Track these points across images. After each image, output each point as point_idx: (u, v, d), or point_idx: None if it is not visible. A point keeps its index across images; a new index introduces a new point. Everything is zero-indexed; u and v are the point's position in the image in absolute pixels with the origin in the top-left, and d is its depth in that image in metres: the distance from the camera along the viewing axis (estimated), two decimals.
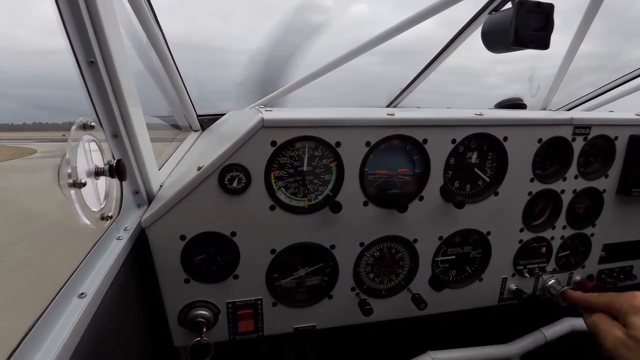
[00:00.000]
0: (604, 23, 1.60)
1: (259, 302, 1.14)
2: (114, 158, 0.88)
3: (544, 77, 1.95)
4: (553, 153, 1.31)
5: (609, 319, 0.79)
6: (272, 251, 1.10)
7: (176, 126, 2.04)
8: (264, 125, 0.98)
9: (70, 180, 0.67)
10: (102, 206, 0.81)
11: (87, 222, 0.73)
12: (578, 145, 1.29)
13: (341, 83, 1.86)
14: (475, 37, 1.57)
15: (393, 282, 1.27)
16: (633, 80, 2.05)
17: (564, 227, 1.39)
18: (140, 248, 0.99)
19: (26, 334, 0.57)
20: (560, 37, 1.06)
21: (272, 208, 1.06)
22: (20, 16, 0.85)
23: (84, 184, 0.70)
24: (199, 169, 0.98)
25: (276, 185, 1.06)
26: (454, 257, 1.31)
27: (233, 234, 1.05)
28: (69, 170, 0.67)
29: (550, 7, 1.02)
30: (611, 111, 1.51)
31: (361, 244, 1.17)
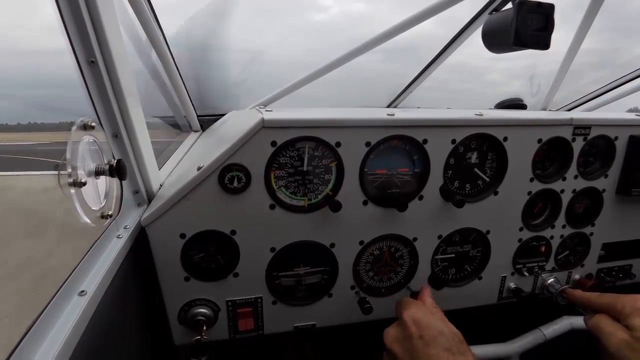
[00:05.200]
0: (603, 20, 1.58)
1: (259, 300, 1.15)
2: (114, 158, 0.89)
3: (545, 75, 1.94)
4: (553, 153, 1.31)
5: (611, 321, 0.79)
6: (272, 249, 1.11)
7: (176, 126, 2.05)
8: (264, 126, 0.98)
9: (71, 180, 0.68)
10: (102, 205, 0.82)
11: (88, 220, 0.73)
12: (578, 145, 1.29)
13: (342, 82, 1.86)
14: (476, 34, 1.57)
15: (393, 281, 1.27)
16: (634, 81, 2.05)
17: (564, 226, 1.40)
18: (140, 246, 0.99)
19: (26, 332, 0.57)
20: (559, 35, 1.06)
21: (272, 207, 1.06)
22: (21, 16, 0.85)
23: (84, 184, 0.70)
24: (199, 168, 0.98)
25: (276, 185, 1.06)
26: (454, 255, 1.31)
27: (233, 232, 1.06)
28: (70, 170, 0.68)
29: (550, 7, 1.02)
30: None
31: (361, 243, 1.17)
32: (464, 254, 1.32)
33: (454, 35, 1.62)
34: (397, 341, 0.86)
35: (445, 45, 1.67)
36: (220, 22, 1.90)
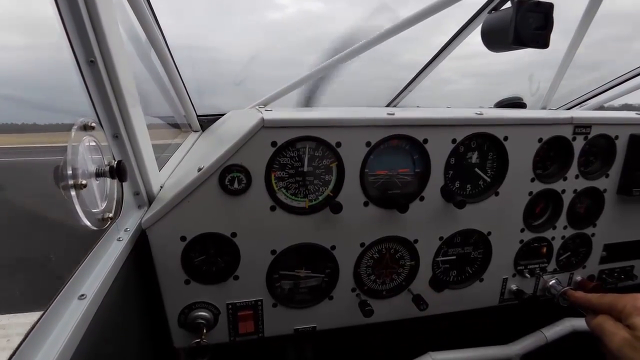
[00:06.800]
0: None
1: (259, 303, 1.14)
2: (114, 159, 0.88)
3: (489, 74, 1.95)
4: (553, 153, 1.31)
5: (613, 321, 0.79)
6: (273, 252, 1.10)
7: (176, 126, 2.04)
8: (264, 126, 0.98)
9: (71, 182, 0.67)
10: (102, 207, 0.81)
11: (88, 223, 0.72)
12: (578, 144, 1.29)
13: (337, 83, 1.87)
14: (431, 33, 1.53)
15: (393, 283, 1.26)
16: (633, 79, 2.05)
17: (565, 227, 1.39)
18: (140, 249, 0.99)
19: (26, 336, 0.56)
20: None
21: (272, 209, 1.06)
22: (20, 16, 0.85)
23: (85, 186, 0.70)
24: (199, 170, 0.98)
25: (277, 186, 1.05)
26: (455, 257, 1.30)
27: (233, 234, 1.05)
28: (70, 172, 0.67)
29: (549, 6, 1.02)
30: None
31: (362, 245, 1.17)
32: (465, 255, 1.32)
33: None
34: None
35: (445, 45, 1.67)
36: (220, 23, 1.89)
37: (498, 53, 1.17)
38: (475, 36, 1.63)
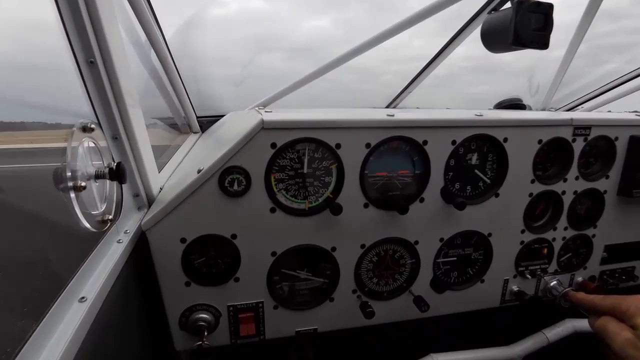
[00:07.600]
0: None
1: (260, 305, 1.14)
2: (113, 161, 0.88)
3: (432, 76, 1.98)
4: (553, 154, 1.31)
5: (616, 322, 0.80)
6: (273, 253, 1.10)
7: (176, 128, 2.04)
8: (264, 127, 0.97)
9: (70, 184, 0.67)
10: (102, 209, 0.81)
11: (87, 225, 0.72)
12: (578, 146, 1.29)
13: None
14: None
15: (394, 284, 1.26)
16: (633, 80, 2.05)
17: (565, 228, 1.39)
18: (140, 251, 0.98)
19: (27, 340, 0.56)
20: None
21: (272, 210, 1.05)
22: (20, 16, 0.85)
23: (84, 187, 0.70)
24: (199, 171, 0.98)
25: (276, 188, 1.05)
26: (455, 258, 1.30)
27: (233, 236, 1.05)
28: (69, 174, 0.67)
29: (549, 7, 1.02)
30: (609, 111, 1.51)
31: (362, 246, 1.17)
32: (466, 257, 1.31)
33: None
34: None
35: (443, 47, 1.67)
36: (219, 23, 1.89)
37: (497, 54, 1.17)
38: (416, 39, 1.64)
